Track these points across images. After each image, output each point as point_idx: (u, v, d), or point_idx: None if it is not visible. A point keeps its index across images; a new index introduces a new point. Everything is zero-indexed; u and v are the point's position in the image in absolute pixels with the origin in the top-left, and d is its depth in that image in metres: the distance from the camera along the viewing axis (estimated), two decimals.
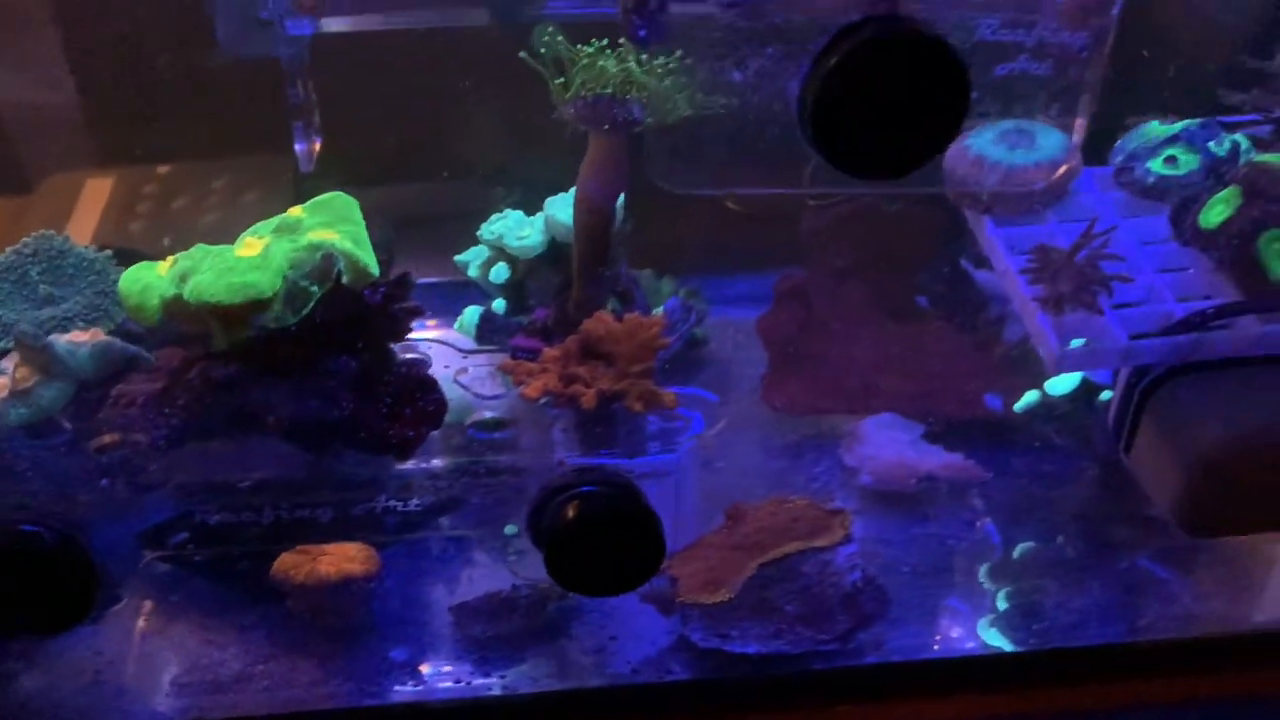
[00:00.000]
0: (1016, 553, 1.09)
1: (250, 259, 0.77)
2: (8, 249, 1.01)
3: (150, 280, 0.81)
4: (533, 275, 0.96)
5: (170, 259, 0.83)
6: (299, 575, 0.93)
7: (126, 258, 0.99)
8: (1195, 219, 0.81)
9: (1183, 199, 0.83)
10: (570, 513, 0.78)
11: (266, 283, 0.74)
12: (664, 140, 0.75)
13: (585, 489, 0.79)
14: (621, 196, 0.96)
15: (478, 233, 0.99)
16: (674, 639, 0.97)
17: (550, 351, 0.82)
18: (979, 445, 1.18)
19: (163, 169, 1.39)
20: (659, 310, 1.08)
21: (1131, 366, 0.81)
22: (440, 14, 0.97)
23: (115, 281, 0.91)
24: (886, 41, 0.61)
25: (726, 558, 1.04)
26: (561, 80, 0.81)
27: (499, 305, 0.97)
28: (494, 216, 0.99)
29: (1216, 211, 0.79)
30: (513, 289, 0.97)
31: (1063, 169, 0.87)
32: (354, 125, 1.29)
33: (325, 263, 0.75)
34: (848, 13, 0.63)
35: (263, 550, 0.96)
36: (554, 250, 0.97)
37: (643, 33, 0.67)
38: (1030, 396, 1.13)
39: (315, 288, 0.75)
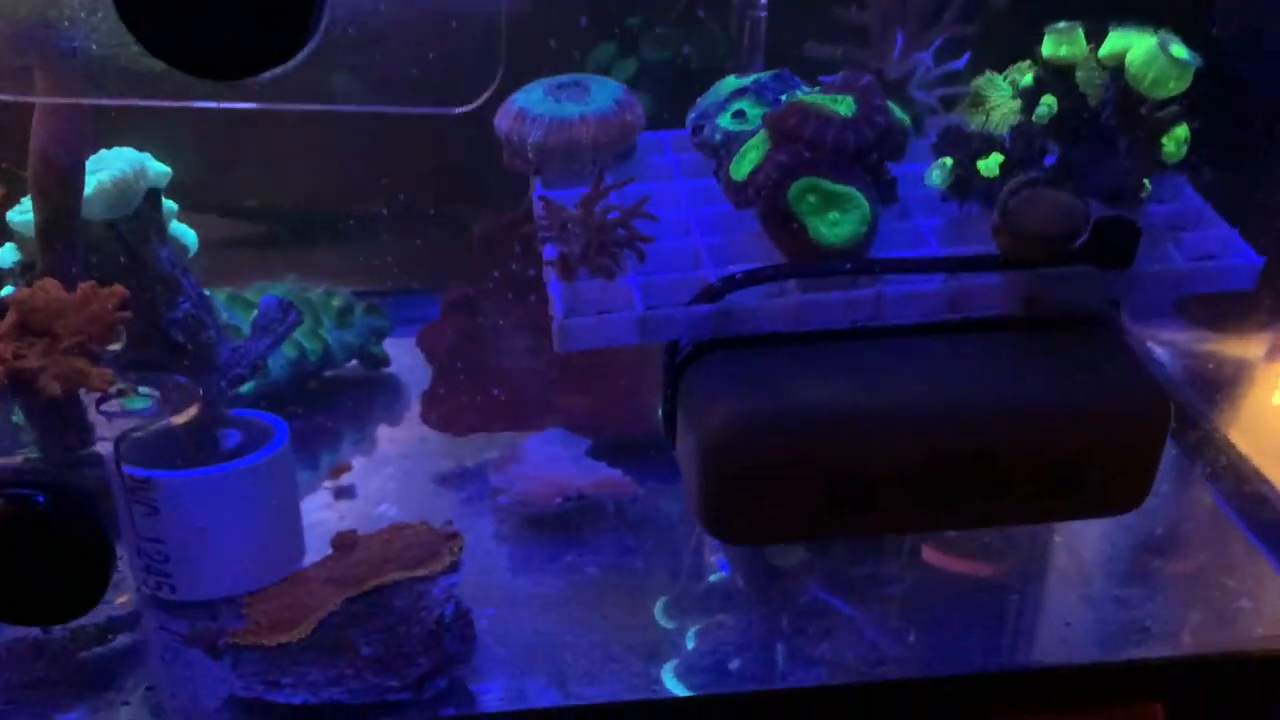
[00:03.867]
0: (663, 585, 0.91)
1: None
2: None
3: None
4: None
5: None
6: None
7: None
8: (727, 170, 0.64)
9: (729, 153, 0.67)
10: None
11: None
12: None
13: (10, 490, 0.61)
14: (143, 168, 0.77)
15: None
16: (224, 689, 0.78)
17: None
18: (651, 461, 1.01)
19: None
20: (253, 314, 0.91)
21: (667, 346, 0.64)
22: None
23: None
24: None
25: (315, 593, 0.85)
26: None
27: (7, 291, 0.79)
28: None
29: (748, 159, 0.63)
30: (28, 272, 0.79)
31: (616, 123, 0.71)
32: None
33: None
34: None
35: None
36: None
37: None
38: None
39: None
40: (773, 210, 0.62)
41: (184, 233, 0.91)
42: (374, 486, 0.99)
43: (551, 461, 0.98)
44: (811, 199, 0.61)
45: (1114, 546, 0.94)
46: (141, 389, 0.66)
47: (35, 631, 0.81)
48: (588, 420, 1.03)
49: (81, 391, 0.64)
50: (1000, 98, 0.75)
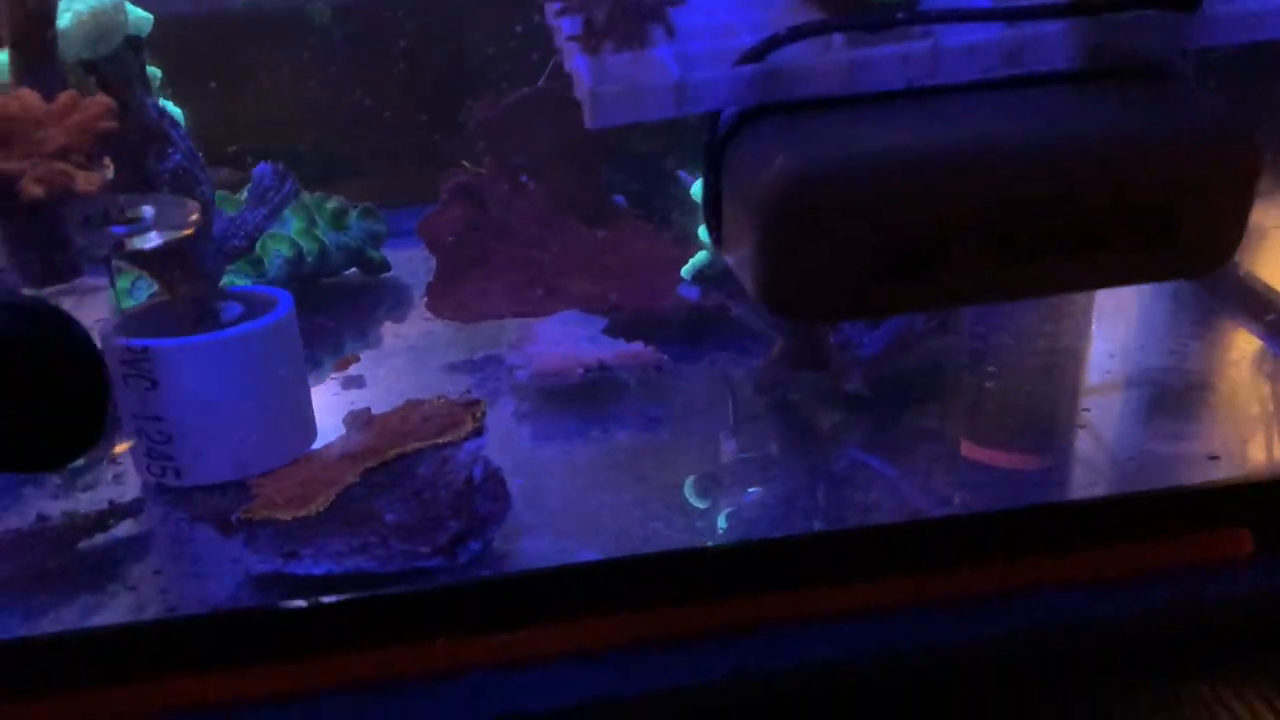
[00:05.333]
0: (696, 451, 0.84)
1: None
2: None
3: None
4: None
5: None
6: None
7: None
8: None
9: None
10: None
11: None
12: None
13: None
14: (122, 5, 0.70)
15: None
16: (243, 568, 0.71)
17: None
18: (669, 337, 0.95)
19: None
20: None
21: (706, 125, 0.58)
22: None
23: None
24: None
25: (330, 468, 0.78)
26: None
27: None
28: None
29: None
30: None
31: None
32: None
33: None
34: None
35: None
36: None
37: None
38: (698, 257, 0.90)
39: None
40: None
41: (169, 108, 0.83)
42: (383, 376, 0.92)
43: (569, 339, 0.92)
44: None
45: (1164, 390, 0.88)
46: (132, 210, 0.59)
47: (30, 519, 0.73)
48: (599, 302, 0.97)
49: (67, 217, 0.57)
50: None
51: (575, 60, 0.56)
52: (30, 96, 0.56)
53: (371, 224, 1.06)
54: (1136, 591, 0.69)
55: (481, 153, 1.02)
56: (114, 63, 0.69)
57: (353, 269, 1.07)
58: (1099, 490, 0.76)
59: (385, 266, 1.07)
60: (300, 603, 0.64)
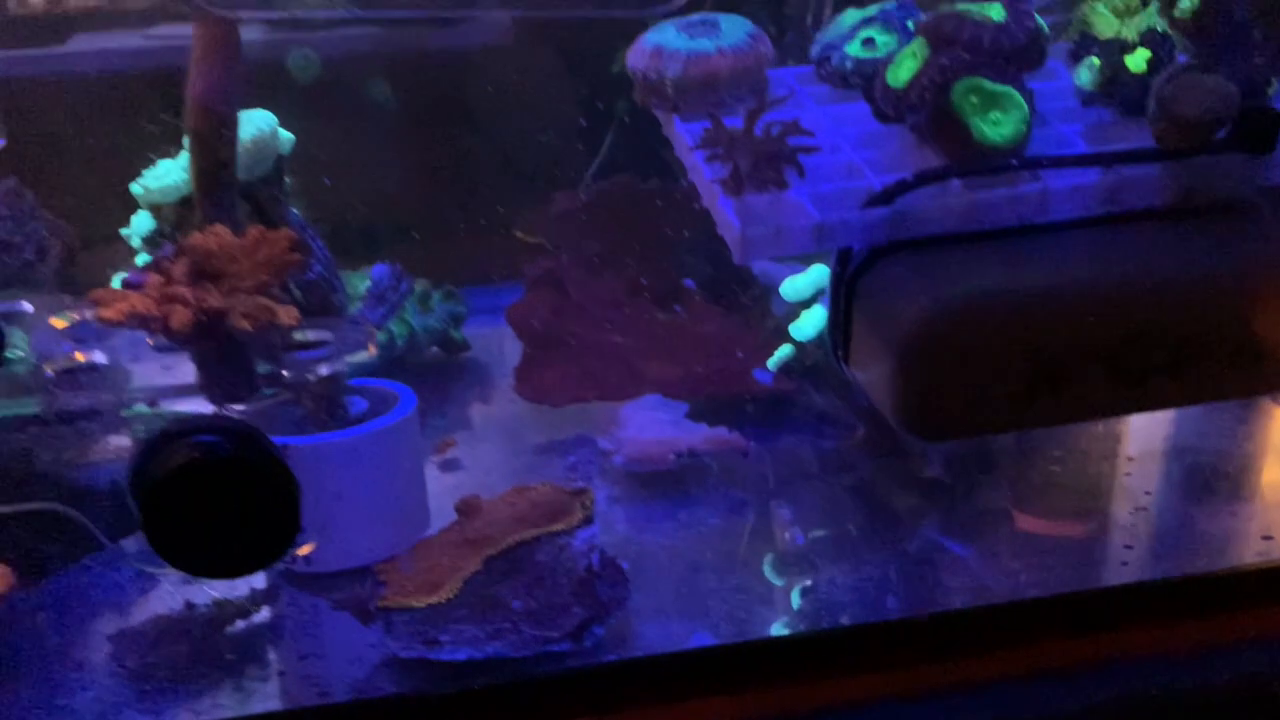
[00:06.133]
0: (784, 534, 0.90)
1: None
2: None
3: None
4: (184, 225, 0.75)
5: None
6: None
7: None
8: (884, 80, 0.65)
9: (875, 71, 0.68)
10: (174, 459, 0.58)
11: None
12: None
13: (200, 436, 0.59)
14: (277, 130, 0.77)
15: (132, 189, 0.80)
16: (380, 653, 0.76)
17: (154, 277, 0.63)
18: (747, 421, 1.01)
19: None
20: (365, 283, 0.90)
21: (837, 260, 0.65)
22: None
23: None
24: None
25: (451, 555, 0.83)
26: None
27: (141, 261, 0.77)
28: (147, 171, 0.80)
29: (905, 67, 0.64)
30: (163, 241, 0.77)
31: (751, 55, 0.72)
32: None
33: None
34: None
35: None
36: None
37: None
38: (784, 350, 0.97)
39: None
40: (937, 113, 0.63)
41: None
42: (478, 460, 0.98)
43: (655, 424, 0.98)
44: (974, 99, 0.62)
45: (1217, 472, 0.95)
46: (312, 332, 0.65)
47: (178, 607, 0.79)
48: (679, 386, 1.03)
49: (250, 343, 0.63)
50: (1105, 24, 0.77)
51: (720, 202, 0.63)
52: (224, 233, 0.62)
53: (453, 305, 1.13)
54: (1198, 666, 0.76)
55: (561, 240, 1.08)
56: (266, 183, 0.75)
57: (432, 348, 1.13)
58: (1162, 566, 0.83)
59: (466, 346, 1.13)
60: (456, 688, 0.70)
